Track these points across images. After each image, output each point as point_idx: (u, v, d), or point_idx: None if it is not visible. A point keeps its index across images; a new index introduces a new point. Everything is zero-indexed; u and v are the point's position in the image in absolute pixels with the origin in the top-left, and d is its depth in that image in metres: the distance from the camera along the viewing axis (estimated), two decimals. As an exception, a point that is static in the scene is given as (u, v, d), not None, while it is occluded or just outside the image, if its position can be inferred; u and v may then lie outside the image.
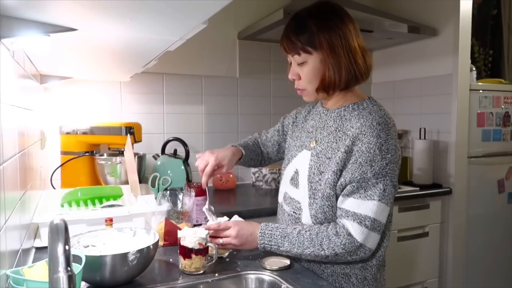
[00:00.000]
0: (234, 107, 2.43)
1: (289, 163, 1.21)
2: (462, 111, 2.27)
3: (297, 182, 1.14)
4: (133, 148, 1.67)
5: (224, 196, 2.10)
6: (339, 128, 1.07)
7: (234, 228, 1.10)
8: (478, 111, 2.35)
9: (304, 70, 1.08)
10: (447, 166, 2.32)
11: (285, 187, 1.21)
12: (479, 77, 2.70)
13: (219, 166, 1.22)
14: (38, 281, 0.76)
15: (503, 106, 2.44)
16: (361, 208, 1.00)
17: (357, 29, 1.08)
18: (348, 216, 1.02)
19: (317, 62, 1.05)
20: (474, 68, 2.41)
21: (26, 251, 1.07)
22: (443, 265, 2.33)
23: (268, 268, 1.05)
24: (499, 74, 3.02)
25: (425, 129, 2.38)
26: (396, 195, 2.16)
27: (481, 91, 2.36)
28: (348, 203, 1.02)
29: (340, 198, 1.04)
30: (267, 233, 1.08)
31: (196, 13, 0.79)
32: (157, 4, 0.71)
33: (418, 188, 2.24)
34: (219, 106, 2.39)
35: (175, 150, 2.09)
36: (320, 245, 1.02)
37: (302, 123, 1.25)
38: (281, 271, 1.04)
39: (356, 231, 1.00)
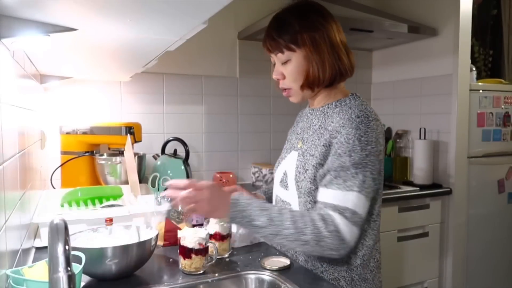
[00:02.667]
0: (234, 107, 2.43)
1: (278, 166, 1.21)
2: (462, 111, 2.27)
3: (286, 183, 1.13)
4: (133, 148, 1.67)
5: (224, 196, 2.10)
6: (322, 125, 1.07)
7: (208, 189, 0.98)
8: (478, 111, 2.35)
9: (288, 68, 1.08)
10: (447, 166, 2.32)
11: (276, 190, 1.20)
12: (479, 77, 2.70)
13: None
14: (38, 281, 0.76)
15: (503, 106, 2.44)
16: (340, 199, 0.96)
17: (339, 27, 1.09)
18: (327, 207, 0.97)
19: (301, 59, 1.05)
20: (474, 68, 2.41)
21: (26, 251, 1.07)
22: (443, 265, 2.33)
23: (268, 268, 1.05)
24: (499, 74, 3.02)
25: (425, 129, 2.38)
26: (396, 195, 2.19)
27: (481, 91, 2.36)
28: (327, 194, 0.98)
29: (319, 189, 1.01)
30: (242, 202, 0.97)
31: (196, 13, 0.79)
32: (157, 4, 0.70)
33: (418, 188, 2.24)
34: (219, 106, 2.39)
35: (175, 150, 2.09)
36: (303, 228, 0.94)
37: (295, 127, 1.26)
38: (281, 271, 1.04)
39: (340, 221, 0.95)
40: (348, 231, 0.94)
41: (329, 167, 0.99)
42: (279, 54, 1.08)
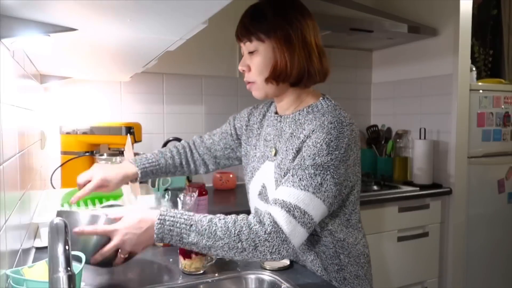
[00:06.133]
0: (234, 107, 2.43)
1: (253, 176, 1.15)
2: (462, 111, 2.27)
3: (267, 197, 1.08)
4: (133, 148, 1.67)
5: (224, 196, 2.10)
6: (293, 133, 1.03)
7: (117, 232, 0.88)
8: (478, 111, 2.35)
9: (254, 60, 1.03)
10: (447, 166, 2.32)
11: (254, 202, 1.15)
12: (479, 77, 2.70)
13: (102, 186, 1.14)
14: (38, 281, 0.76)
15: (503, 106, 2.44)
16: (292, 196, 0.90)
17: (316, 28, 1.04)
18: (276, 203, 0.91)
19: (269, 51, 1.00)
20: (474, 68, 2.41)
21: (26, 251, 1.07)
22: (443, 265, 2.33)
23: (268, 268, 1.05)
24: (499, 74, 3.02)
25: (425, 129, 2.38)
26: (396, 195, 2.19)
27: (481, 91, 2.36)
28: (279, 190, 0.93)
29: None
30: (168, 220, 0.88)
31: (196, 13, 0.79)
32: (157, 4, 0.70)
33: (418, 188, 2.24)
34: (219, 106, 2.39)
35: (175, 150, 2.09)
36: (238, 235, 0.87)
37: (258, 128, 1.20)
38: (281, 271, 1.04)
39: (283, 220, 0.88)
40: (291, 230, 0.88)
41: (289, 166, 0.97)
42: (247, 43, 1.02)
